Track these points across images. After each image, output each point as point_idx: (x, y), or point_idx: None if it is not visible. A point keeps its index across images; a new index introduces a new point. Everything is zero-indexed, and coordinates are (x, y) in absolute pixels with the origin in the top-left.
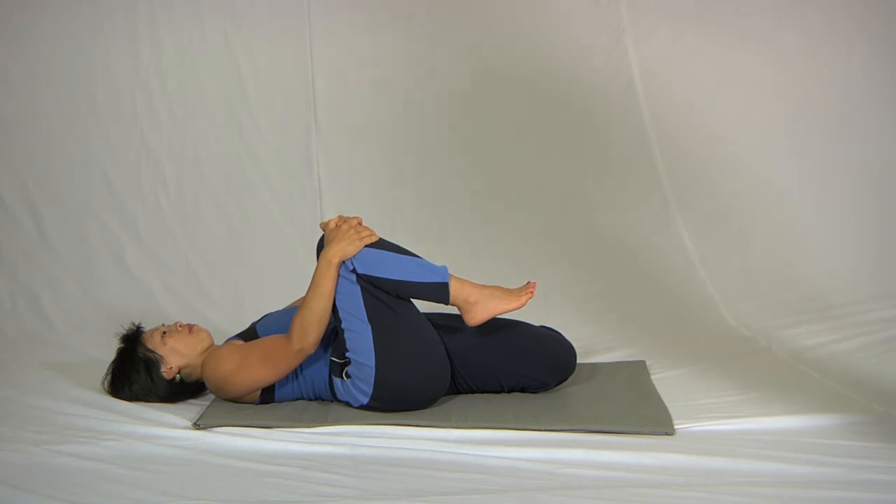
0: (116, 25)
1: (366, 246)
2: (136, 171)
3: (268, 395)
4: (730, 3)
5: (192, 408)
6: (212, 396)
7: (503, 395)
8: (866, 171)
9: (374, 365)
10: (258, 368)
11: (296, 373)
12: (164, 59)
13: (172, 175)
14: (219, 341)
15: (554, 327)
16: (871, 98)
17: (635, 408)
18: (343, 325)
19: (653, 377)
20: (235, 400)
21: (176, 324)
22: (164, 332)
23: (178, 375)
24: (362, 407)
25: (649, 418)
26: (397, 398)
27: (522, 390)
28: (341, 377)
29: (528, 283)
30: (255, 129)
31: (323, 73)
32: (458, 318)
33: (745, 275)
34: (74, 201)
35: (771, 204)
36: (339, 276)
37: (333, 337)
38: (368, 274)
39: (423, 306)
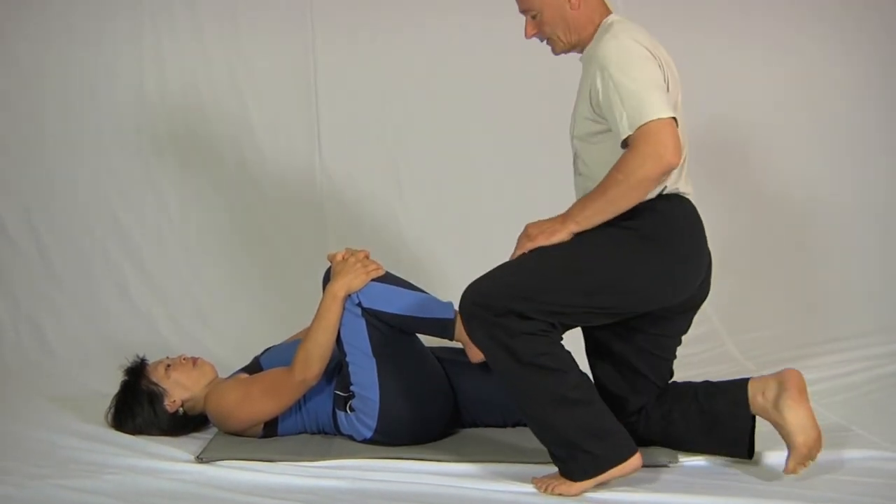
0: (121, 57)
1: (372, 280)
2: (140, 203)
3: (271, 428)
4: (731, 3)
5: (195, 441)
6: (215, 430)
7: (506, 430)
8: (872, 199)
9: (377, 399)
10: (261, 401)
11: (299, 406)
12: (168, 92)
13: (176, 207)
14: (223, 374)
15: None
16: (879, 121)
17: None
18: (348, 359)
19: None
20: (238, 433)
21: (180, 357)
22: (168, 365)
23: (181, 408)
24: (366, 440)
25: (650, 451)
26: (401, 432)
27: (525, 425)
28: (345, 410)
29: None
30: (259, 161)
31: (327, 103)
32: (462, 353)
33: (751, 307)
34: (79, 232)
35: (776, 234)
36: (344, 309)
37: (337, 370)
38: (374, 308)
39: (427, 341)
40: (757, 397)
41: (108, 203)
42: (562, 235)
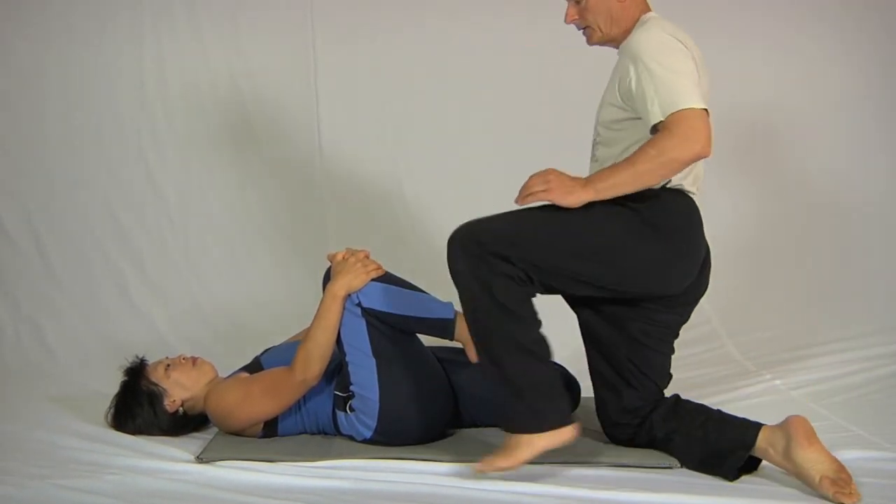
0: (122, 60)
1: (372, 280)
2: (140, 205)
3: (271, 428)
4: (731, 3)
5: (196, 441)
6: (215, 430)
7: None
8: (872, 200)
9: (377, 399)
10: (261, 401)
11: (299, 406)
12: (169, 94)
13: (177, 208)
14: (223, 374)
15: (560, 363)
16: (879, 121)
17: None
18: (347, 359)
19: None
20: (238, 433)
21: (179, 356)
22: (168, 365)
23: (181, 408)
24: (366, 441)
25: (653, 452)
26: (401, 432)
27: None
28: (345, 411)
29: None
30: (259, 162)
31: (327, 102)
32: (462, 353)
33: (751, 308)
34: (79, 234)
35: (776, 234)
36: (344, 309)
37: (338, 370)
38: (374, 308)
39: (427, 341)
40: (769, 451)
41: (107, 203)
42: (576, 198)
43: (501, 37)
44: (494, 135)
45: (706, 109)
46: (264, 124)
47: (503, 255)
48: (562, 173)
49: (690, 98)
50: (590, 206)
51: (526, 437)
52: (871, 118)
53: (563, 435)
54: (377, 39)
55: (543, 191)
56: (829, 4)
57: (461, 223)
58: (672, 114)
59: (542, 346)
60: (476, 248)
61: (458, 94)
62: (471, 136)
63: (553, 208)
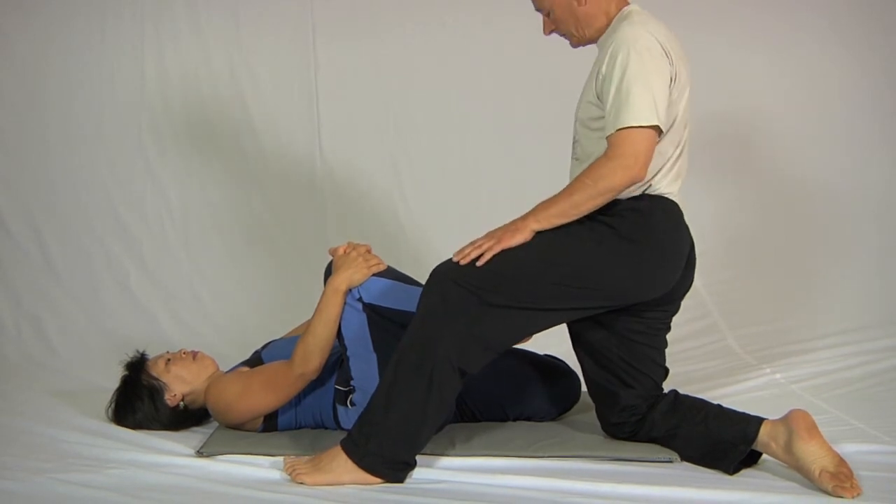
0: (123, 54)
1: (373, 274)
2: (141, 199)
3: (270, 422)
4: (731, 2)
5: (196, 435)
6: (215, 424)
7: (508, 424)
8: (871, 196)
9: None
10: (260, 394)
11: (299, 400)
12: (169, 87)
13: (177, 202)
14: (223, 368)
15: (559, 357)
16: (879, 119)
17: None
18: (348, 353)
19: None
20: (238, 427)
21: (180, 351)
22: (169, 360)
23: (181, 403)
24: None
25: (653, 446)
26: None
27: (527, 419)
28: (345, 405)
29: None
30: (260, 157)
31: (328, 98)
32: None
33: (751, 301)
34: (80, 228)
35: (777, 229)
36: (345, 303)
37: (338, 364)
38: (374, 303)
39: None
40: (770, 444)
41: (108, 199)
42: (524, 234)
43: (502, 35)
44: (495, 133)
45: (656, 126)
46: (264, 120)
47: (483, 296)
48: (499, 227)
49: (642, 114)
50: (566, 233)
51: (344, 460)
52: (870, 116)
53: (372, 481)
54: (378, 38)
55: (493, 244)
56: (829, 4)
57: (445, 259)
58: (619, 130)
59: (441, 413)
60: (457, 287)
61: (458, 92)
62: (471, 135)
63: (528, 247)
